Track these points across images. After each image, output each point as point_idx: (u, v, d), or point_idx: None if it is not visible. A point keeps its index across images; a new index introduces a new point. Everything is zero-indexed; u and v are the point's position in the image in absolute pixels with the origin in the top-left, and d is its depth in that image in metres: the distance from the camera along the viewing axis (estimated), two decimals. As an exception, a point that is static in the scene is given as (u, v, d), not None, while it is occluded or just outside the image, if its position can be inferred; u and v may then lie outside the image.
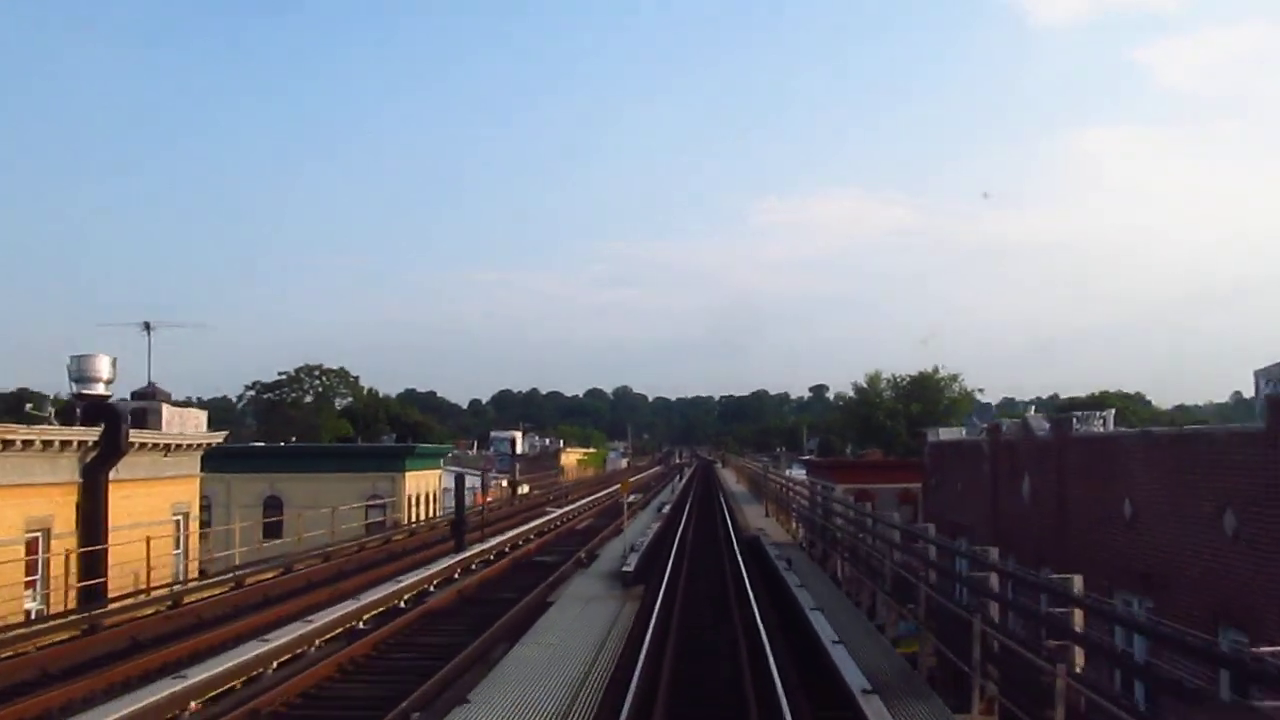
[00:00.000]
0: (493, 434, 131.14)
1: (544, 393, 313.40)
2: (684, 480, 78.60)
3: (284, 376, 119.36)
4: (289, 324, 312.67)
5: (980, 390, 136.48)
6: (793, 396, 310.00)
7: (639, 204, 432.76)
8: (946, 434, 30.45)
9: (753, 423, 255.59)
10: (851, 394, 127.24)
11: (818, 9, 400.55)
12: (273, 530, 47.66)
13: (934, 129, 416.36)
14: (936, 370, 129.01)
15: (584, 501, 51.40)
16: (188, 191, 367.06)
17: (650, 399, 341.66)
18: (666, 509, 44.05)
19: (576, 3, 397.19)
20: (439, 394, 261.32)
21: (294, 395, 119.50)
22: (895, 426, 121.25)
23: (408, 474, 51.60)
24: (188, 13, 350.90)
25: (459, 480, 27.58)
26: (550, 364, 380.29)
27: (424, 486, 55.74)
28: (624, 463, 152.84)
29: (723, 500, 52.38)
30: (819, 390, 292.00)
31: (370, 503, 50.44)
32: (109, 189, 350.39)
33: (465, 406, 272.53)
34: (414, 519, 51.45)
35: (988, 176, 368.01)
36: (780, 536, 34.05)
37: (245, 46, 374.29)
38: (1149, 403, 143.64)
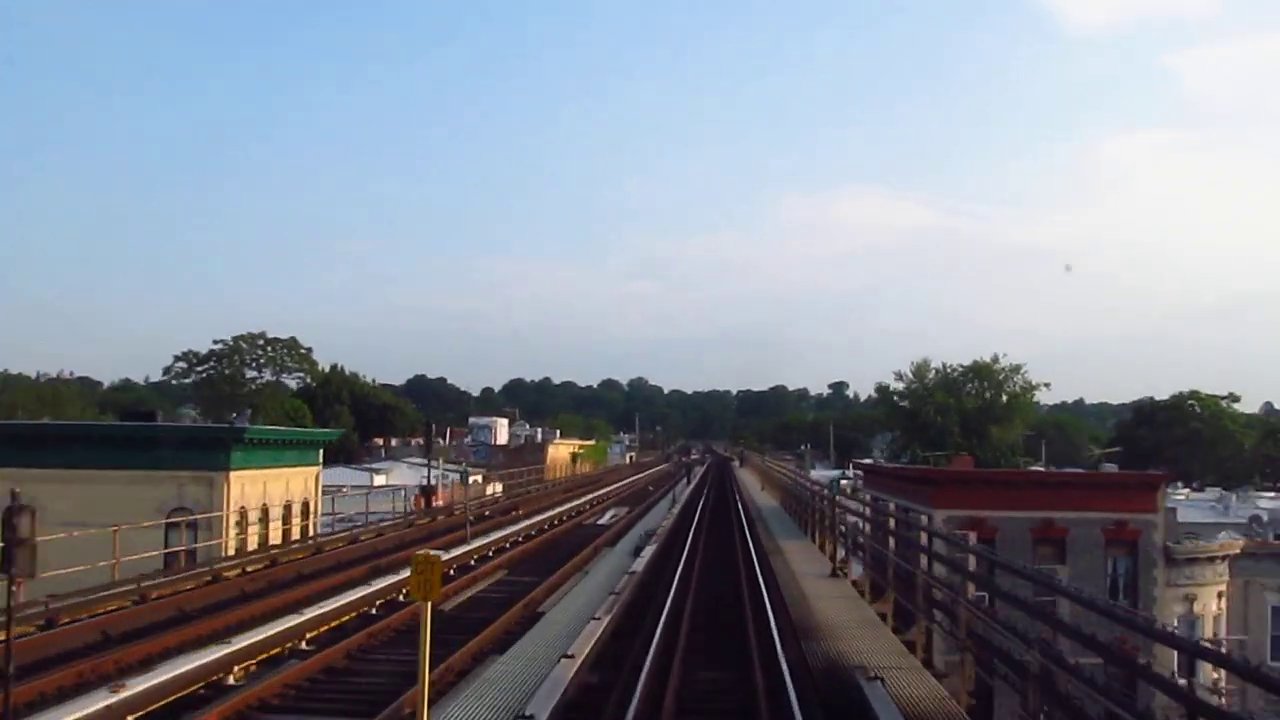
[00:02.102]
0: (471, 420, 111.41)
1: (557, 382, 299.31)
2: (693, 486, 58.73)
3: (220, 346, 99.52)
4: (292, 311, 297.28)
5: (1047, 385, 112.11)
6: (812, 393, 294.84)
7: (661, 198, 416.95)
8: None
9: (771, 417, 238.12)
10: (896, 386, 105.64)
11: (846, 10, 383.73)
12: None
13: (957, 130, 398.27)
14: (996, 359, 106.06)
15: (526, 524, 31.74)
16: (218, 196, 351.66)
17: (666, 391, 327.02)
18: (649, 552, 24.30)
19: (606, 7, 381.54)
20: (449, 380, 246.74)
21: (230, 370, 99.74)
22: (947, 423, 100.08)
23: (234, 473, 32.16)
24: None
25: None
26: (567, 354, 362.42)
27: (279, 493, 36.20)
28: (627, 458, 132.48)
29: (747, 528, 32.30)
30: (839, 387, 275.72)
31: (172, 519, 31.25)
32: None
33: (478, 394, 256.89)
34: (262, 542, 32.20)
35: (1011, 179, 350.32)
36: (895, 658, 13.85)
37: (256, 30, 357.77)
38: (1234, 401, 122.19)
